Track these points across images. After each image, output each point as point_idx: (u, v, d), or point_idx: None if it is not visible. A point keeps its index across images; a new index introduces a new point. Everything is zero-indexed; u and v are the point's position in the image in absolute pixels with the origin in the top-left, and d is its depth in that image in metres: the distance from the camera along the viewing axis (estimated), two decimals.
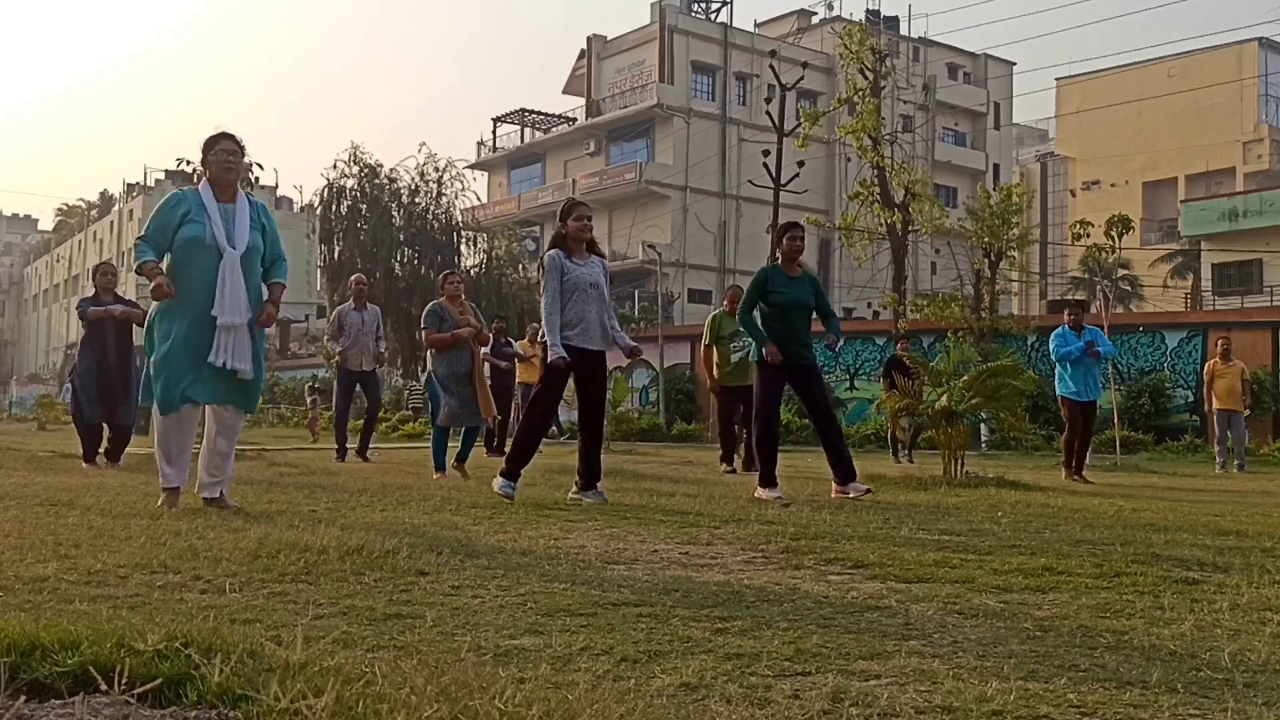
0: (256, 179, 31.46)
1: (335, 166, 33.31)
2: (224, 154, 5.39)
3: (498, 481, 6.35)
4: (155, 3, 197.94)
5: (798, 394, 7.52)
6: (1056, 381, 10.86)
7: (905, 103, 45.98)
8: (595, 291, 6.47)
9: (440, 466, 8.67)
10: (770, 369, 7.14)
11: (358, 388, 11.61)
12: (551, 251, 6.51)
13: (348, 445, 11.63)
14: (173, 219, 5.26)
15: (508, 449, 6.77)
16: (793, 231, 7.32)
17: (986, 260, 25.00)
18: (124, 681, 1.91)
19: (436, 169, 34.31)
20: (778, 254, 7.34)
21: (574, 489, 6.51)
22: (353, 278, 11.86)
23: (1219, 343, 14.81)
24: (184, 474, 5.31)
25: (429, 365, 9.18)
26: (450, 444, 9.09)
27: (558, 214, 6.76)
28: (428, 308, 8.80)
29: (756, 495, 6.73)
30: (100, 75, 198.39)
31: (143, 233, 5.29)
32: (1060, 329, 10.88)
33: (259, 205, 5.59)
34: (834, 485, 7.04)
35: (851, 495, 6.78)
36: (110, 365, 9.01)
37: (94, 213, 74.25)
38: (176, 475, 5.29)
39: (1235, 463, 13.88)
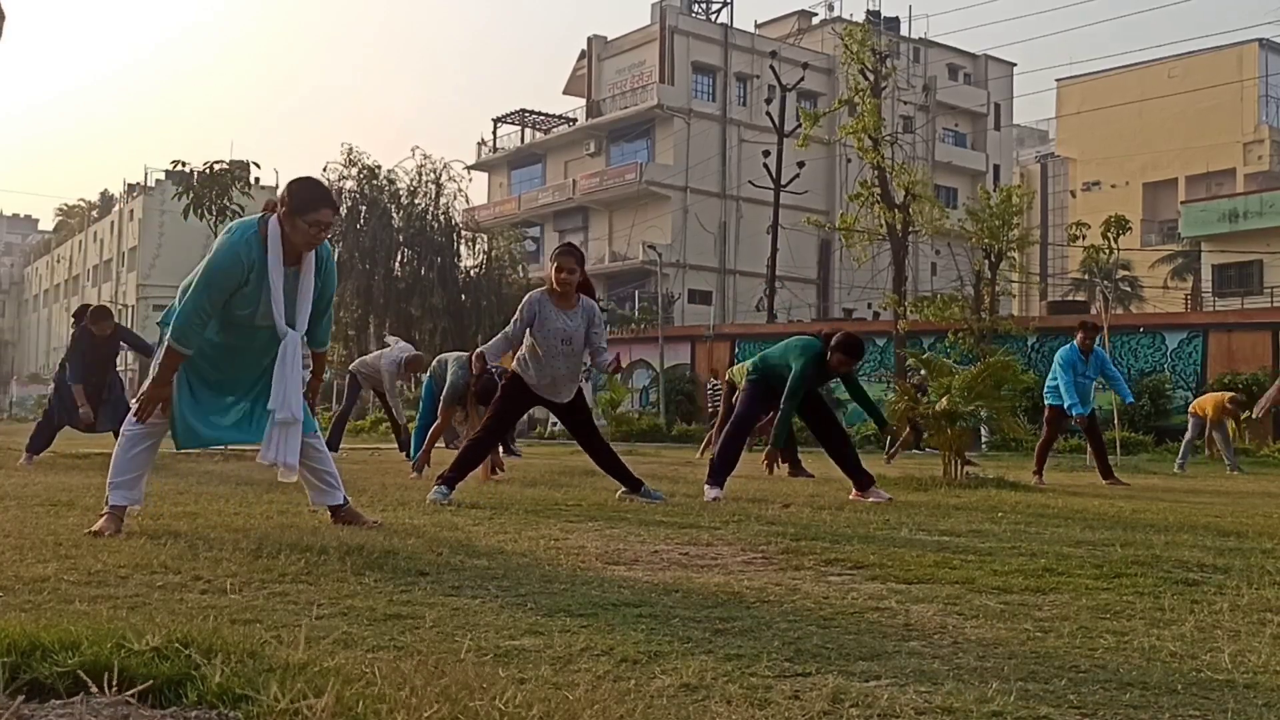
0: (257, 179, 31.38)
1: (326, 168, 33.32)
2: (318, 227, 4.33)
3: (433, 490, 6.13)
4: (158, 5, 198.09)
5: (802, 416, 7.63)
6: (1046, 390, 10.66)
7: (905, 103, 45.98)
8: (567, 347, 6.29)
9: (417, 469, 8.66)
10: (760, 390, 7.33)
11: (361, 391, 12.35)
12: (535, 292, 6.41)
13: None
14: (231, 285, 4.24)
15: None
16: (845, 356, 7.00)
17: (986, 261, 25.02)
18: (124, 682, 1.91)
19: (434, 170, 34.36)
20: (830, 356, 7.02)
21: (620, 493, 6.51)
22: (416, 365, 12.02)
23: (1230, 403, 14.34)
24: (135, 494, 4.42)
25: (439, 369, 9.40)
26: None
27: (549, 255, 6.54)
28: (460, 370, 8.91)
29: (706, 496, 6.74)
30: (103, 76, 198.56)
31: (197, 300, 4.21)
32: (1072, 346, 10.41)
33: (325, 252, 4.53)
34: (853, 490, 7.06)
35: (870, 501, 6.76)
36: (95, 379, 9.30)
37: (94, 213, 74.24)
38: (125, 495, 4.36)
39: (1227, 466, 13.94)
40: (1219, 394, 15.05)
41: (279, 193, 4.43)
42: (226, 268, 4.23)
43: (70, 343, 9.69)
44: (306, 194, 4.33)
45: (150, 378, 4.35)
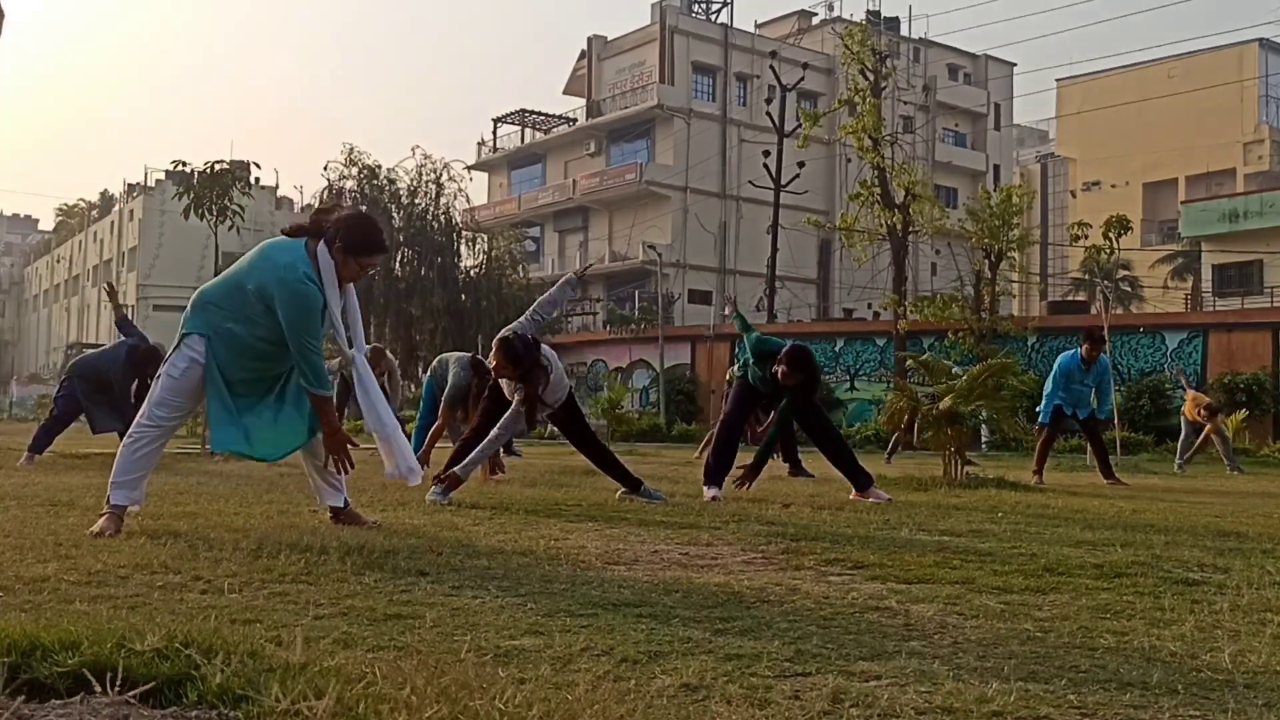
0: (257, 179, 31.38)
1: (327, 168, 33.35)
2: (369, 268, 4.65)
3: (431, 491, 6.15)
4: (159, 5, 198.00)
5: (795, 418, 7.60)
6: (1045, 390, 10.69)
7: (905, 103, 45.97)
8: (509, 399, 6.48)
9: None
10: (746, 387, 7.31)
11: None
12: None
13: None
14: (320, 315, 4.43)
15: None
16: (787, 368, 6.80)
17: (987, 261, 25.02)
18: (124, 682, 1.91)
19: (434, 170, 34.38)
20: (775, 368, 6.91)
21: (620, 493, 6.50)
22: (376, 357, 11.18)
23: (1205, 409, 14.45)
24: (136, 494, 4.41)
25: (439, 369, 9.42)
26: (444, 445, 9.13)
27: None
28: (461, 371, 9.00)
29: (705, 495, 6.74)
30: (103, 74, 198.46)
31: (312, 343, 4.38)
32: (1074, 353, 10.40)
33: None
34: (853, 490, 7.04)
35: (870, 501, 6.75)
36: (112, 385, 9.35)
37: (94, 213, 74.20)
38: (126, 495, 4.36)
39: (1227, 466, 13.94)
40: (1199, 396, 15.15)
41: (337, 225, 4.43)
42: (315, 297, 4.37)
43: (119, 380, 9.42)
44: (367, 239, 4.49)
45: (327, 430, 4.55)
